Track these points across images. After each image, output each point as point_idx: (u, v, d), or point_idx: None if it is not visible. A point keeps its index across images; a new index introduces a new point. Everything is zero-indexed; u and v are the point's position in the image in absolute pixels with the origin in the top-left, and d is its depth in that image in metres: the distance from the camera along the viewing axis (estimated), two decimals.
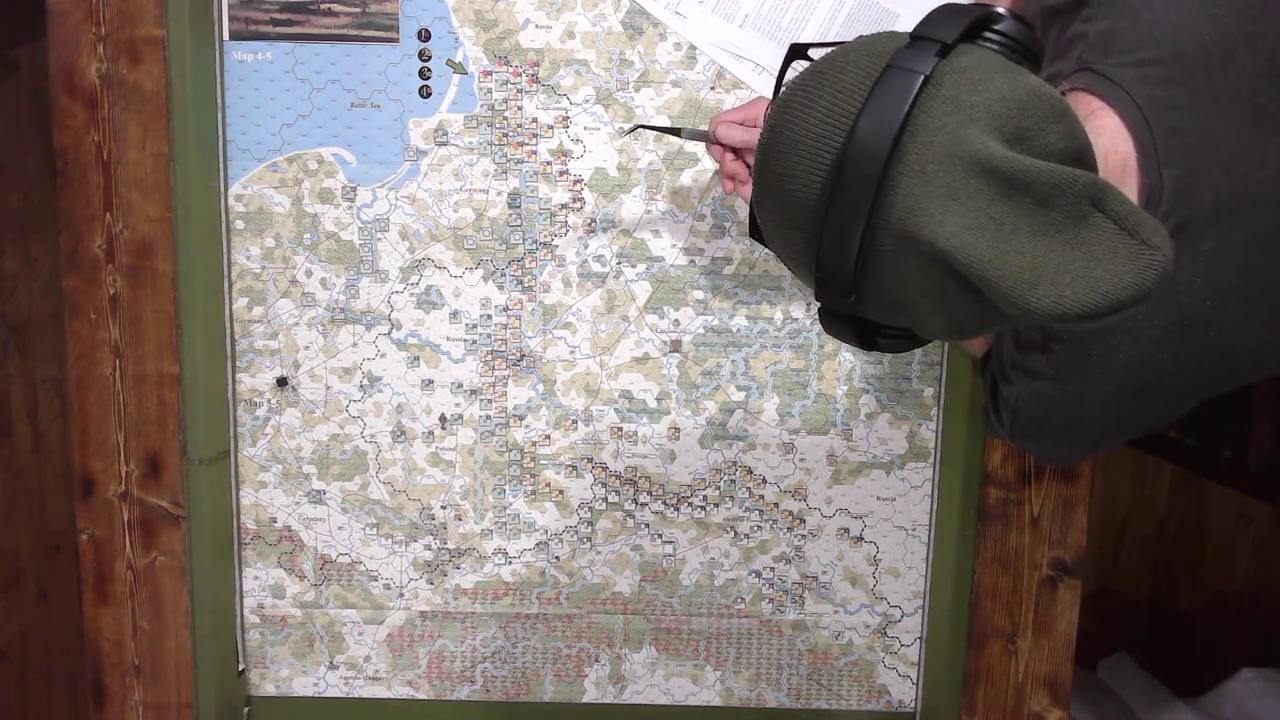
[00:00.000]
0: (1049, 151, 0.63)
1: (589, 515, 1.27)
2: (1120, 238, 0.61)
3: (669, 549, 1.27)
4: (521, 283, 1.22)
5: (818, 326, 1.22)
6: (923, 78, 0.64)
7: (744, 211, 1.20)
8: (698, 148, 1.18)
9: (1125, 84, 0.78)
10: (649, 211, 1.20)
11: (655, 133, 1.17)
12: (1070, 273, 0.61)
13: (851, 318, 0.72)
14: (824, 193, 0.67)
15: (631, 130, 1.14)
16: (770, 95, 0.79)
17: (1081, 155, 0.66)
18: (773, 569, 1.27)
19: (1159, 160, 0.77)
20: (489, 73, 1.18)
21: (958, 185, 0.62)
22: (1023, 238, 0.61)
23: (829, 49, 0.73)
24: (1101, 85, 0.78)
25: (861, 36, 0.72)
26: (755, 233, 0.83)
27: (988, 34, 0.68)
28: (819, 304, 0.73)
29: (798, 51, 0.82)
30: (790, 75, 0.78)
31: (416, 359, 1.24)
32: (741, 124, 0.98)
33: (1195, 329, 0.81)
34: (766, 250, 1.20)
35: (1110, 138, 0.77)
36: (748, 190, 0.99)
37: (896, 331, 0.73)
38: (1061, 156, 0.64)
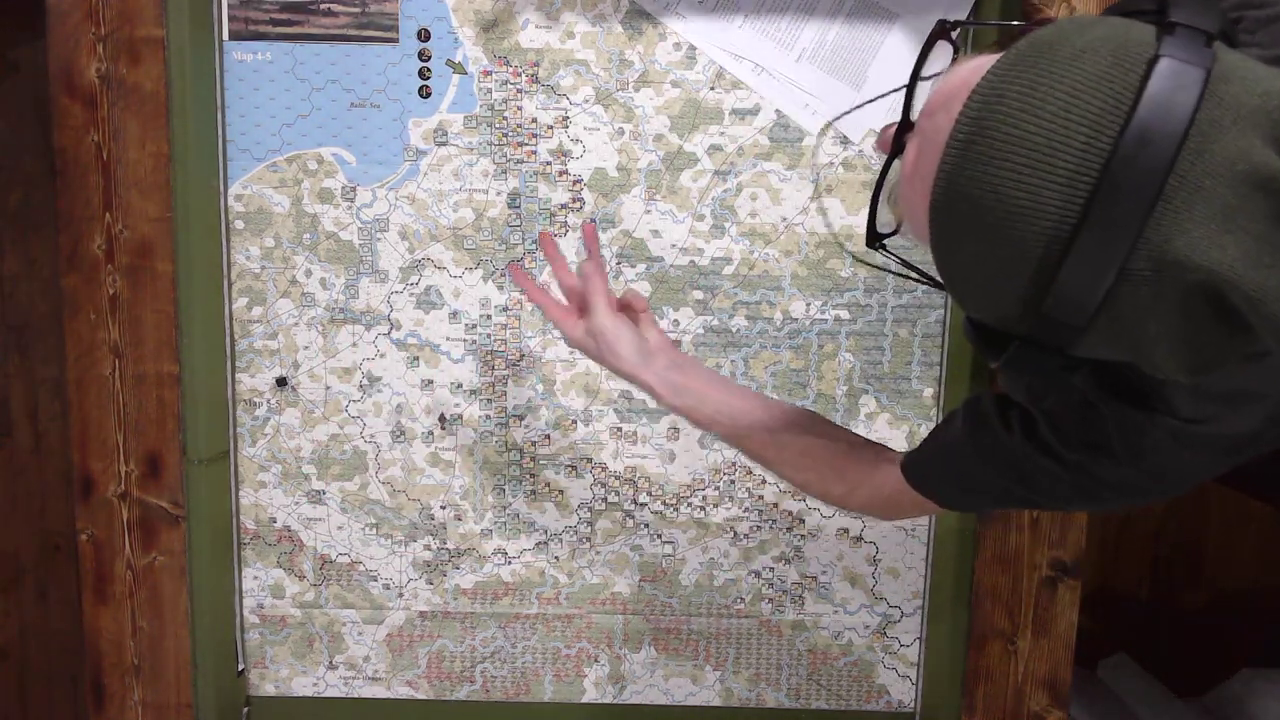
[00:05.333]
0: None
1: (588, 515, 1.27)
2: None
3: (668, 549, 1.27)
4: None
5: (817, 326, 1.21)
6: (1205, 73, 0.54)
7: (744, 211, 1.20)
8: (698, 147, 1.19)
9: None
10: (649, 211, 1.20)
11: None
12: None
13: (1057, 350, 0.60)
14: (1066, 208, 0.55)
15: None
16: (906, 84, 0.67)
17: None
18: (772, 569, 1.27)
19: None
20: (489, 73, 1.18)
21: (1237, 204, 0.53)
22: None
23: (991, 27, 0.60)
24: None
25: (1066, 18, 0.60)
26: (876, 240, 0.71)
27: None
28: (1019, 336, 0.60)
29: (943, 31, 0.68)
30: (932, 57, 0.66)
31: (416, 359, 1.24)
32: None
33: None
34: (767, 250, 1.20)
35: None
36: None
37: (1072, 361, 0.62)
38: None
